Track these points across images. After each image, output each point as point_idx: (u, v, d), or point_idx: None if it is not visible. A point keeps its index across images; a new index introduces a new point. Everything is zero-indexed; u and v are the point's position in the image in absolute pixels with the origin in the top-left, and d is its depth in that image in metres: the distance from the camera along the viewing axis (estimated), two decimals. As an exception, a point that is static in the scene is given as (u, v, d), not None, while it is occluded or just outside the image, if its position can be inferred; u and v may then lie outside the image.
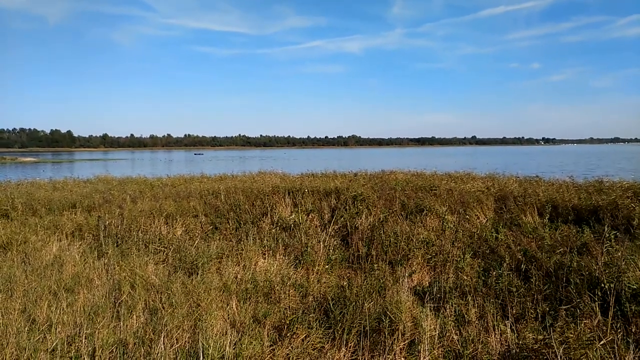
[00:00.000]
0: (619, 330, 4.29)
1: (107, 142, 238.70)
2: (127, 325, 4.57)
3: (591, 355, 3.71)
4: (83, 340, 4.13)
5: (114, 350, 4.06)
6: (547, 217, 8.72)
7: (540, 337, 4.24)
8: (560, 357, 3.52)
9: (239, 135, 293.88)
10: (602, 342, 3.99)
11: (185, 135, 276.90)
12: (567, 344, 3.98)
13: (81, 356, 3.92)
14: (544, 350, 3.95)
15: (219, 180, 16.55)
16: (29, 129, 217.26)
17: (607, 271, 5.25)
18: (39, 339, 4.26)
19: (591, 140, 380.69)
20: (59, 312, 4.82)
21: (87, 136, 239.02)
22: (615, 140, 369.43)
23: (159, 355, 3.84)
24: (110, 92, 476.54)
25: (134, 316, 4.85)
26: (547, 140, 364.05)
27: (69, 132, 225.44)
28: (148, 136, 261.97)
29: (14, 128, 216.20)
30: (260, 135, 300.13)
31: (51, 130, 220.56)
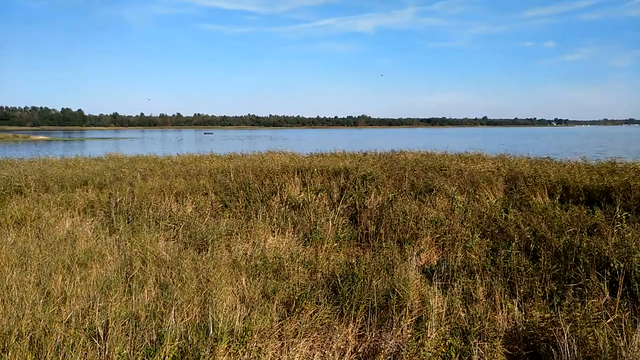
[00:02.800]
0: (627, 310, 4.29)
1: (117, 121, 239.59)
2: (138, 299, 4.66)
3: (598, 334, 3.72)
4: (96, 313, 4.23)
5: (127, 323, 4.15)
6: (557, 198, 8.66)
7: (547, 315, 4.26)
8: (567, 335, 3.54)
9: (249, 115, 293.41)
10: (609, 321, 4.00)
11: (195, 114, 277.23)
12: (574, 322, 3.99)
13: (95, 328, 4.01)
14: (550, 328, 3.97)
15: (229, 159, 16.60)
16: (41, 108, 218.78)
17: (617, 251, 5.23)
18: (53, 311, 4.36)
19: (605, 122, 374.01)
20: (73, 286, 4.92)
21: (97, 115, 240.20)
22: (630, 121, 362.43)
23: (169, 328, 3.92)
24: (121, 71, 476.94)
25: (145, 290, 4.94)
26: (559, 122, 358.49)
27: (79, 110, 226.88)
28: (158, 115, 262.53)
29: (26, 106, 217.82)
30: (270, 115, 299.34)
31: (62, 109, 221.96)
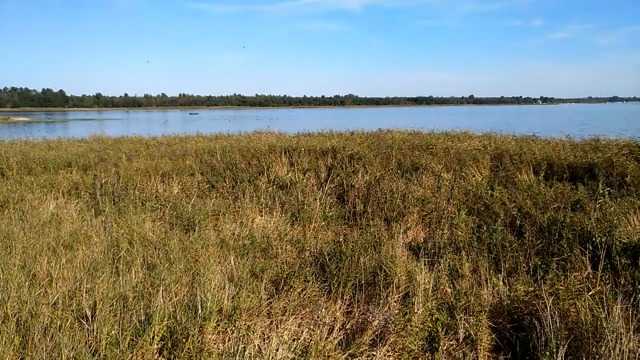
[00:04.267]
0: (608, 282, 4.40)
1: (100, 102, 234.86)
2: (126, 280, 4.64)
3: (579, 306, 3.82)
4: (84, 295, 4.21)
5: (114, 304, 4.14)
6: (542, 175, 8.77)
7: (531, 289, 4.35)
8: (550, 307, 3.62)
9: (235, 94, 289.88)
10: (590, 293, 4.10)
11: (180, 94, 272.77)
12: (556, 295, 4.08)
13: (82, 309, 3.99)
14: (534, 302, 4.06)
15: (215, 140, 16.45)
16: (21, 88, 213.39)
17: (599, 226, 5.34)
18: (40, 293, 4.34)
19: (589, 100, 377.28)
20: (59, 268, 4.88)
21: (80, 95, 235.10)
22: (614, 99, 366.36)
23: (158, 308, 3.91)
24: (103, 50, 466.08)
25: (133, 271, 4.92)
26: (545, 100, 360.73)
27: (61, 91, 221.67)
28: (142, 96, 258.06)
29: (5, 87, 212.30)
30: (256, 95, 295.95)
31: (43, 89, 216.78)
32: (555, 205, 6.57)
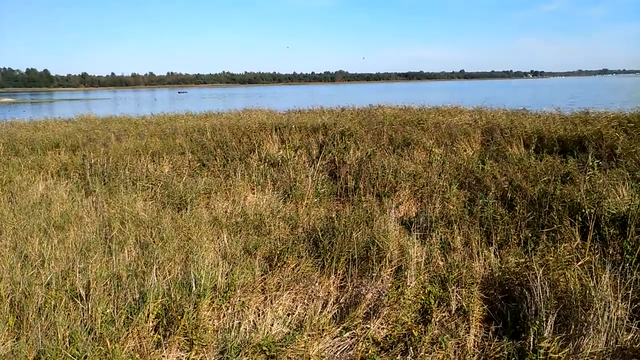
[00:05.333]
0: (597, 252, 4.46)
1: (86, 82, 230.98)
2: (119, 260, 4.63)
3: (569, 275, 3.88)
4: (77, 275, 4.19)
5: (108, 283, 4.14)
6: (532, 148, 8.81)
7: (522, 260, 4.41)
8: (540, 278, 3.67)
9: (223, 72, 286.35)
10: (579, 263, 4.16)
11: (168, 73, 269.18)
12: (546, 266, 4.14)
13: (76, 289, 3.99)
14: (524, 273, 4.12)
15: (205, 118, 16.26)
16: (4, 69, 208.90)
17: (588, 198, 5.39)
18: (32, 274, 4.32)
19: (579, 73, 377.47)
20: (51, 249, 4.86)
21: (65, 75, 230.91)
22: (604, 72, 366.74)
23: (152, 286, 3.92)
24: (88, 28, 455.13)
25: (126, 251, 4.91)
26: (535, 74, 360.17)
27: (45, 71, 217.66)
28: (130, 75, 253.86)
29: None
30: (245, 72, 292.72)
31: (27, 69, 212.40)
32: (545, 178, 6.62)
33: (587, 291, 3.57)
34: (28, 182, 7.92)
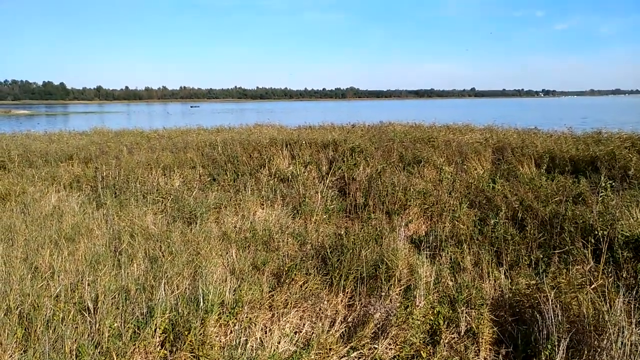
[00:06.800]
0: (610, 275, 4.39)
1: (101, 95, 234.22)
2: (128, 273, 4.65)
3: (582, 299, 3.81)
4: (86, 287, 4.21)
5: (117, 297, 4.14)
6: (544, 168, 8.74)
7: (533, 282, 4.34)
8: (552, 300, 3.61)
9: (235, 87, 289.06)
10: (592, 286, 4.09)
11: (180, 87, 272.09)
12: (558, 288, 4.08)
13: (84, 302, 4.00)
14: (535, 295, 4.05)
15: (216, 132, 16.42)
16: (21, 81, 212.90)
17: (601, 219, 5.32)
18: (42, 285, 4.34)
19: (592, 92, 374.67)
20: (61, 260, 4.89)
21: (80, 88, 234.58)
22: (617, 92, 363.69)
23: (160, 301, 3.92)
24: (104, 42, 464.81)
25: (135, 264, 4.93)
26: (547, 93, 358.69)
27: (62, 84, 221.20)
28: (143, 88, 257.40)
29: (6, 80, 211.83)
30: (257, 88, 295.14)
31: (44, 82, 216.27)
32: (557, 199, 6.55)
33: (601, 315, 3.50)
34: (41, 193, 8.02)
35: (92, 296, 4.08)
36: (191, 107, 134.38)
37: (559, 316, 3.53)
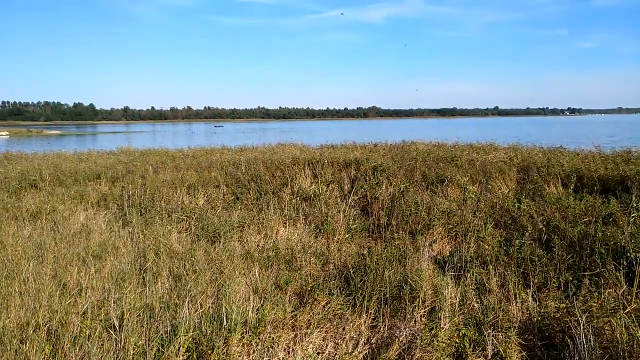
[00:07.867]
0: (644, 300, 4.23)
1: (128, 115, 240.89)
2: (152, 291, 4.70)
3: (615, 323, 3.68)
4: (112, 305, 4.27)
5: (141, 314, 4.19)
6: (571, 188, 8.55)
7: (563, 305, 4.22)
8: (583, 325, 3.50)
9: (258, 107, 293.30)
10: (626, 311, 3.95)
11: (205, 107, 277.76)
12: (590, 312, 3.95)
13: (110, 319, 4.06)
14: (566, 319, 3.93)
15: (240, 152, 16.64)
16: (53, 102, 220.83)
17: (633, 241, 5.16)
18: (70, 302, 4.42)
19: (619, 110, 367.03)
20: (88, 278, 4.98)
21: (108, 109, 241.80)
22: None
23: (183, 319, 3.95)
24: (131, 64, 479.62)
25: (159, 282, 4.99)
26: (572, 111, 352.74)
27: (91, 105, 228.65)
28: (168, 109, 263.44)
29: (39, 101, 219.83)
30: (280, 107, 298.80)
31: (74, 103, 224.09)
32: (586, 219, 6.39)
33: (635, 341, 3.37)
34: (70, 211, 8.22)
35: (117, 313, 4.14)
36: (215, 126, 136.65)
37: (591, 341, 3.41)
